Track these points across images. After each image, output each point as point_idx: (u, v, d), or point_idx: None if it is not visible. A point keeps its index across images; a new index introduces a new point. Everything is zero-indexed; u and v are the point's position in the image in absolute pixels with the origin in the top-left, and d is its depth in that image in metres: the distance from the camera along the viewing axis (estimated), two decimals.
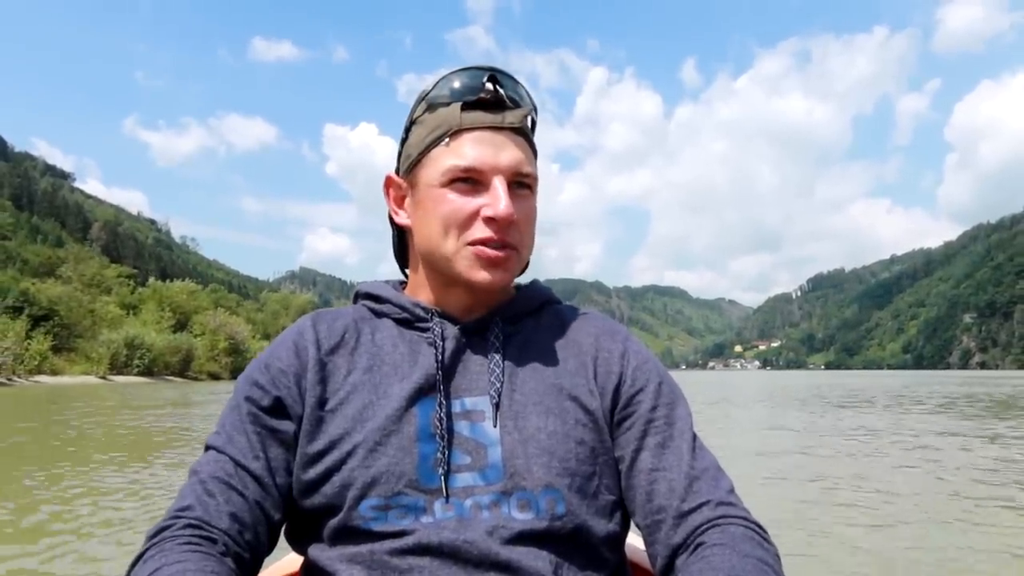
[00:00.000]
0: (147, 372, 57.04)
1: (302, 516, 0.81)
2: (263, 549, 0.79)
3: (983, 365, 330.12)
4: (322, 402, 0.82)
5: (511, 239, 0.83)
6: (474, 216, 0.82)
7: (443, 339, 0.85)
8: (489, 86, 0.85)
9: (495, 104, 0.85)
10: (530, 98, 0.90)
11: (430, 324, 0.87)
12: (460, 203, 0.82)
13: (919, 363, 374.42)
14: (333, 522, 0.77)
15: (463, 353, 0.86)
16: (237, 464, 0.78)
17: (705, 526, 0.75)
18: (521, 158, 0.84)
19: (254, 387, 0.82)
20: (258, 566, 0.79)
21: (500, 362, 0.85)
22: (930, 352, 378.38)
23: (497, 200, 0.81)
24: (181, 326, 69.03)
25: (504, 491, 0.77)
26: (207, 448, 0.81)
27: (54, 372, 47.03)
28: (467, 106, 0.84)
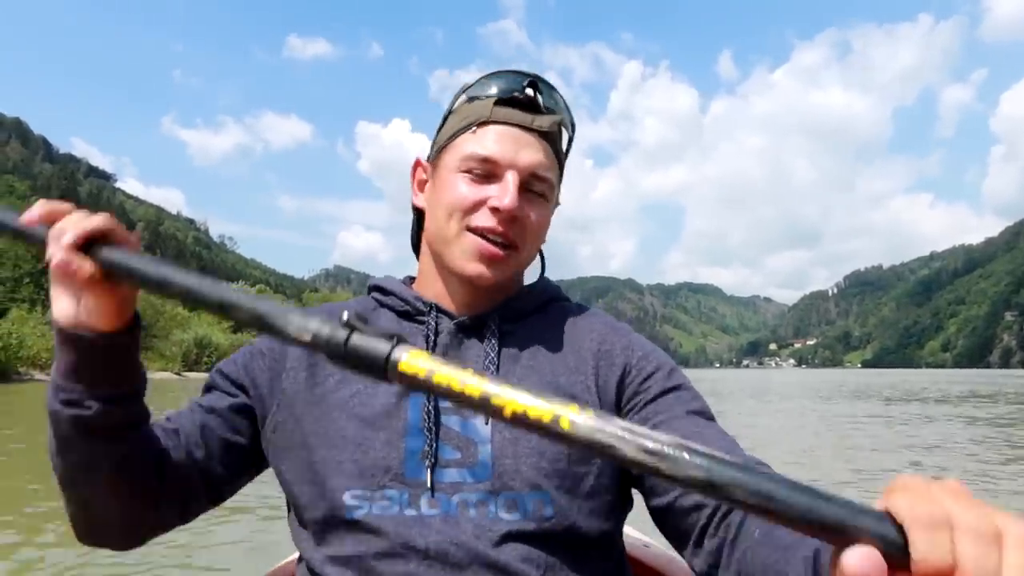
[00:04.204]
0: None
1: (295, 510, 0.84)
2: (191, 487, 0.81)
3: None
4: (309, 386, 0.84)
5: (513, 235, 0.83)
6: (480, 204, 0.83)
7: (436, 333, 0.86)
8: (528, 91, 0.87)
9: (528, 106, 0.87)
10: (569, 113, 0.91)
11: (426, 318, 0.87)
12: (470, 190, 0.83)
13: (958, 362, 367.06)
14: (318, 514, 0.78)
15: (457, 348, 0.86)
16: (198, 409, 0.85)
17: None
18: (541, 161, 0.84)
19: (229, 362, 0.90)
20: (184, 501, 0.82)
21: (495, 359, 0.84)
22: (970, 351, 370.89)
23: (505, 192, 0.81)
24: (238, 326, 73.00)
25: (491, 490, 0.77)
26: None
27: None
28: (501, 102, 0.86)
